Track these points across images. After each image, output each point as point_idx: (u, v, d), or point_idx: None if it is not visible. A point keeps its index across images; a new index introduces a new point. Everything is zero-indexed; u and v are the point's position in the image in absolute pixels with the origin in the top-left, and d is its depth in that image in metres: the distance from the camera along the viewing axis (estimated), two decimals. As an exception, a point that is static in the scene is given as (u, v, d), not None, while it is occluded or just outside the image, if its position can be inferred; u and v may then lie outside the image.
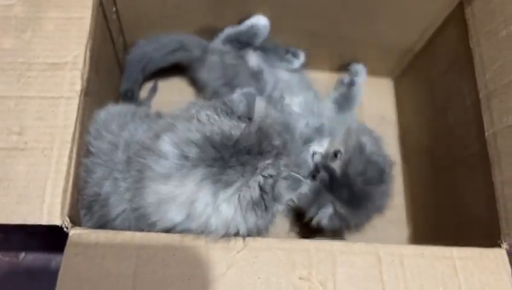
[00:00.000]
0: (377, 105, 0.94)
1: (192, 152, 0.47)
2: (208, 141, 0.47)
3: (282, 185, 0.49)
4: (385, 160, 0.71)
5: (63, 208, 0.48)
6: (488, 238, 0.56)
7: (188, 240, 0.48)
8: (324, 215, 0.68)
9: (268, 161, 0.49)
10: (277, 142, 0.51)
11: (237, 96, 0.52)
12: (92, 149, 0.56)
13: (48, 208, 0.47)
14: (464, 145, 0.68)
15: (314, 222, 0.69)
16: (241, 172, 0.47)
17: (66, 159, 0.50)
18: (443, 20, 0.75)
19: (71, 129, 0.51)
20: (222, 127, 0.49)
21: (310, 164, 0.73)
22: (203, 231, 0.47)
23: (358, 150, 0.69)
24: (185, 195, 0.47)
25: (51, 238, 0.73)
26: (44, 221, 0.47)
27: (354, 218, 0.69)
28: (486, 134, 0.60)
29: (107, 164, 0.55)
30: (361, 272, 0.49)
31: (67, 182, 0.49)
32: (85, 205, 0.55)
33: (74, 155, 0.51)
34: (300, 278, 0.48)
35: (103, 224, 0.54)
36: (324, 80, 0.93)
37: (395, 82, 0.97)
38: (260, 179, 0.48)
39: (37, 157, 0.50)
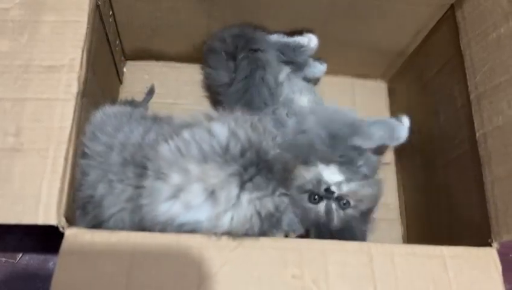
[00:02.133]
0: (370, 107, 0.94)
1: (237, 148, 0.50)
2: (252, 145, 0.51)
3: (286, 218, 0.54)
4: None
5: (58, 208, 0.48)
6: (479, 237, 0.57)
7: (182, 239, 0.48)
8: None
9: (284, 191, 0.53)
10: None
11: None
12: (87, 151, 0.57)
13: (43, 208, 0.48)
14: (455, 146, 0.69)
15: None
16: (267, 185, 0.51)
17: (61, 160, 0.50)
18: (435, 23, 0.76)
19: (67, 130, 0.51)
20: (264, 141, 0.53)
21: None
22: (213, 222, 0.48)
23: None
24: (216, 180, 0.48)
25: (48, 239, 0.73)
26: (40, 221, 0.47)
27: None
28: (477, 135, 0.61)
29: (101, 166, 0.55)
30: (353, 270, 0.49)
31: (63, 182, 0.49)
32: (79, 206, 0.56)
33: (70, 156, 0.51)
34: (293, 277, 0.48)
35: (96, 225, 0.55)
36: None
37: (388, 84, 0.98)
38: (277, 199, 0.51)
39: (33, 158, 0.50)
